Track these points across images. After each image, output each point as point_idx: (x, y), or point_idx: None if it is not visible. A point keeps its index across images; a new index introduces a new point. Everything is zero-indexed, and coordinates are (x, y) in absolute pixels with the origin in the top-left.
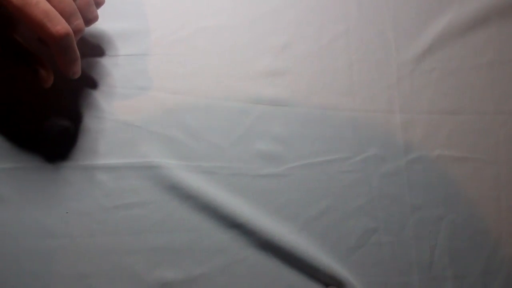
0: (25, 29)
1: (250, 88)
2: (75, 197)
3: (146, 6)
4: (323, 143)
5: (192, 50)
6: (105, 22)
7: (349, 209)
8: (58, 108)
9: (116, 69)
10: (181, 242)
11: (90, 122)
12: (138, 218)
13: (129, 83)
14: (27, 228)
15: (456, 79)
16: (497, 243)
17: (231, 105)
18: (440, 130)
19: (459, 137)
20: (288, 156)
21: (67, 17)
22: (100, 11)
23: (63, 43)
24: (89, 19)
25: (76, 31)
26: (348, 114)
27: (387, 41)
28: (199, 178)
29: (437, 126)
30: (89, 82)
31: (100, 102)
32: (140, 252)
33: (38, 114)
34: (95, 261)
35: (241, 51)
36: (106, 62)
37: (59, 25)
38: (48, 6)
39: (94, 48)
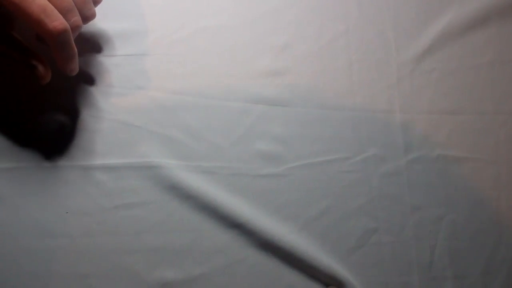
0: (23, 26)
1: (250, 88)
2: (75, 197)
3: (146, 6)
4: (323, 143)
5: (192, 50)
6: (105, 22)
7: (349, 209)
8: (58, 108)
9: (116, 69)
10: (181, 242)
11: (90, 122)
12: (138, 218)
13: (129, 83)
14: (26, 228)
15: (456, 79)
16: (497, 243)
17: (231, 105)
18: (440, 130)
19: (459, 137)
20: (288, 156)
21: (65, 13)
22: (100, 11)
23: (60, 39)
24: (87, 16)
25: (74, 27)
26: (348, 114)
27: (387, 41)
28: (199, 178)
29: (437, 126)
30: (89, 82)
31: (100, 102)
32: (140, 252)
33: (38, 114)
34: (95, 261)
35: (241, 51)
36: (106, 62)
37: (57, 21)
38: (45, 2)
39: (95, 48)
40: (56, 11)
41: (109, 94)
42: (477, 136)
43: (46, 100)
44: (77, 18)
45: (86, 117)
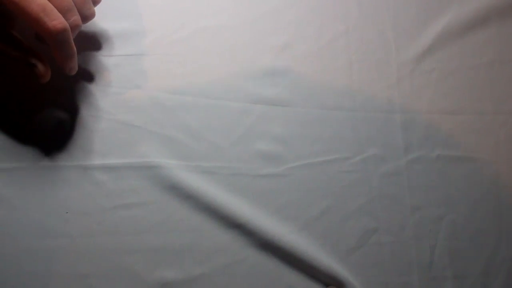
0: (22, 25)
1: (250, 88)
2: (75, 197)
3: (145, 6)
4: (323, 143)
5: (192, 50)
6: (106, 22)
7: (349, 209)
8: (58, 108)
9: (116, 69)
10: (181, 242)
11: (90, 121)
12: (138, 218)
13: (128, 82)
14: (26, 228)
15: (456, 79)
16: (497, 243)
17: (231, 105)
18: (440, 130)
19: (459, 137)
20: (288, 156)
21: (64, 12)
22: (100, 11)
23: (59, 38)
24: (86, 16)
25: (73, 26)
26: (348, 114)
27: (387, 41)
28: (199, 178)
29: (437, 126)
30: (89, 82)
31: (99, 101)
32: (140, 252)
33: (38, 114)
34: (95, 261)
35: (241, 51)
36: (106, 61)
37: (56, 20)
38: (45, 1)
39: (94, 48)
40: (55, 10)
41: (109, 93)
42: (477, 136)
43: (46, 100)
44: (76, 18)
45: (86, 117)
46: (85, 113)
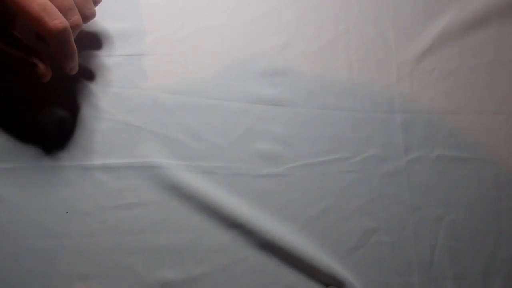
0: (23, 25)
1: (250, 88)
2: (75, 197)
3: (146, 6)
4: (323, 143)
5: (192, 50)
6: (106, 22)
7: (349, 209)
8: (58, 108)
9: (116, 69)
10: (181, 242)
11: (90, 121)
12: (138, 218)
13: (129, 83)
14: (27, 228)
15: (456, 79)
16: (497, 243)
17: (231, 105)
18: (440, 130)
19: (459, 137)
20: (288, 156)
21: (65, 12)
22: (100, 11)
23: (60, 37)
24: (87, 15)
25: (74, 26)
26: (348, 114)
27: (387, 41)
28: (199, 178)
29: (437, 126)
30: (89, 82)
31: (100, 101)
32: (140, 252)
33: (38, 114)
34: (95, 261)
35: (241, 51)
36: (106, 62)
37: (57, 19)
38: (45, 0)
39: (94, 48)
40: (56, 10)
41: (109, 93)
42: (477, 136)
43: (46, 100)
44: (77, 17)
45: (86, 117)
46: (85, 113)
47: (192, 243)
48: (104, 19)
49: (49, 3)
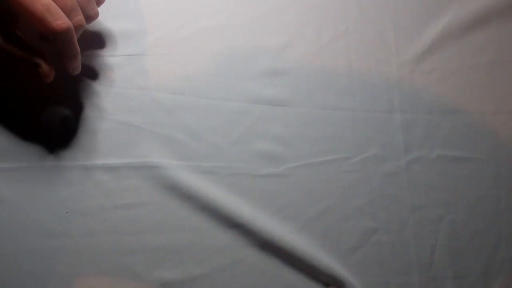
0: (26, 25)
1: (250, 88)
2: (76, 197)
3: (146, 6)
4: (323, 143)
5: (192, 50)
6: (106, 22)
7: (349, 209)
8: (58, 108)
9: (116, 69)
10: (181, 242)
11: (90, 122)
12: (138, 218)
13: (129, 83)
14: (27, 228)
15: (456, 79)
16: (496, 243)
17: (231, 105)
18: (440, 130)
19: (459, 137)
20: (288, 156)
21: (68, 12)
22: (101, 11)
23: (63, 38)
24: (90, 16)
25: (77, 26)
26: (348, 114)
27: (387, 41)
28: (199, 178)
29: (437, 126)
30: (90, 82)
31: (100, 102)
32: (140, 252)
33: (38, 114)
34: (95, 261)
35: (241, 51)
36: (106, 62)
37: (60, 20)
38: (49, 1)
39: (95, 48)
40: (59, 10)
41: (109, 93)
42: (477, 136)
43: (47, 100)
44: (80, 18)
45: (86, 117)
46: (86, 113)
47: (192, 243)
48: (104, 19)
49: (53, 3)
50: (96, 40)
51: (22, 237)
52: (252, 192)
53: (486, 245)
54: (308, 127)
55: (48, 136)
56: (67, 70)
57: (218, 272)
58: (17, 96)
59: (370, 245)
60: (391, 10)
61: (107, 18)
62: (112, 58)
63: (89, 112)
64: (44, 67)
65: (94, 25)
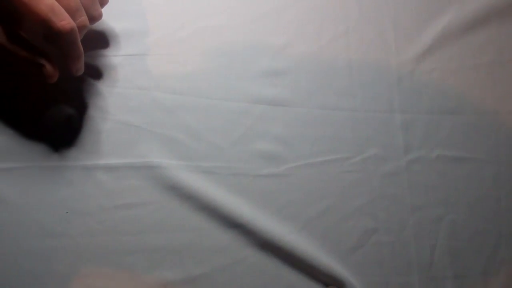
0: (31, 26)
1: (250, 88)
2: (75, 197)
3: (146, 6)
4: (323, 143)
5: (192, 50)
6: (106, 22)
7: (349, 209)
8: (58, 108)
9: (116, 69)
10: (181, 242)
11: (90, 122)
12: (138, 218)
13: (129, 83)
14: (27, 228)
15: (456, 79)
16: (496, 243)
17: (231, 105)
18: (440, 130)
19: (459, 137)
20: (288, 156)
21: (72, 13)
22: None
23: (67, 38)
24: (93, 17)
25: (81, 27)
26: (348, 114)
27: (387, 41)
28: (199, 178)
29: (437, 126)
30: (90, 82)
31: (100, 102)
32: (140, 252)
33: (38, 114)
34: (95, 261)
35: (241, 51)
36: (106, 62)
37: (64, 20)
38: (53, 1)
39: (95, 48)
40: (63, 11)
41: (109, 94)
42: (477, 136)
43: (47, 101)
44: (84, 18)
45: (87, 117)
46: (86, 113)
47: (192, 243)
48: (105, 19)
49: (57, 4)
50: (97, 40)
51: (22, 237)
52: (252, 192)
53: (486, 245)
54: (308, 127)
55: (48, 136)
56: (71, 71)
57: (218, 272)
58: (17, 96)
59: (370, 245)
60: (391, 10)
61: (107, 18)
62: (112, 58)
63: (89, 112)
64: (48, 67)
65: (94, 25)
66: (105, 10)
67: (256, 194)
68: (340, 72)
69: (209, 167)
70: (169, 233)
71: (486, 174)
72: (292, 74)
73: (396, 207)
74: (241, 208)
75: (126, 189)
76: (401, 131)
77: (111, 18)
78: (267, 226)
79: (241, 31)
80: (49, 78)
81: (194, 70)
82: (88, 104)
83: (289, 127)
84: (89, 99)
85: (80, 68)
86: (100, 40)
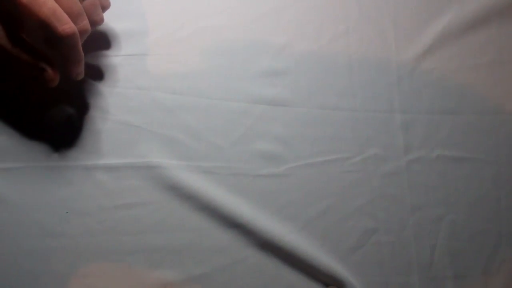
0: (32, 29)
1: (250, 88)
2: (75, 197)
3: (146, 6)
4: (323, 143)
5: (192, 50)
6: (106, 22)
7: (349, 209)
8: (58, 108)
9: (116, 69)
10: (181, 242)
11: (90, 122)
12: (138, 218)
13: (129, 83)
14: (27, 228)
15: (456, 79)
16: (497, 243)
17: (231, 105)
18: (440, 130)
19: (459, 137)
20: (288, 156)
21: (74, 17)
22: None
23: (68, 43)
24: (95, 21)
25: (82, 31)
26: (348, 114)
27: (387, 40)
28: (199, 178)
29: (437, 126)
30: (90, 82)
31: (100, 102)
32: (140, 252)
33: (38, 114)
34: (95, 261)
35: (241, 51)
36: (106, 62)
37: (66, 25)
38: (55, 5)
39: (95, 48)
40: (65, 15)
41: (109, 94)
42: (477, 136)
43: (47, 101)
44: (85, 23)
45: (87, 117)
46: (86, 113)
47: (192, 243)
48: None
49: (59, 8)
50: (97, 40)
51: (22, 237)
52: (252, 192)
53: (486, 245)
54: (308, 127)
55: (48, 136)
56: (71, 75)
57: (218, 272)
58: (17, 96)
59: (370, 245)
60: (391, 10)
61: (107, 18)
62: (112, 58)
63: (89, 112)
64: (49, 71)
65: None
66: (106, 11)
67: (256, 194)
68: (340, 72)
69: (209, 167)
70: (169, 233)
71: (486, 174)
72: (292, 74)
73: (396, 207)
74: (241, 208)
75: (126, 189)
76: (401, 131)
77: (111, 18)
78: (267, 226)
79: (241, 31)
80: (50, 82)
81: (194, 70)
82: (88, 104)
83: (289, 127)
84: (89, 99)
85: (80, 72)
86: (100, 40)
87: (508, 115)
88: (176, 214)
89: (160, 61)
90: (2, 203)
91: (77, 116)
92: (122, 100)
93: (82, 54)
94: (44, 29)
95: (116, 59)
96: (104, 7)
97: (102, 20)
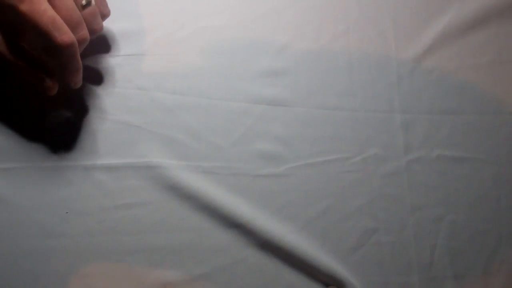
0: (32, 38)
1: (250, 88)
2: (75, 197)
3: (146, 6)
4: (323, 143)
5: (192, 50)
6: (106, 22)
7: (349, 209)
8: (58, 108)
9: (116, 69)
10: (181, 242)
11: (90, 122)
12: (138, 218)
13: (129, 83)
14: (27, 228)
15: (456, 79)
16: (497, 243)
17: (231, 105)
18: (440, 130)
19: (459, 137)
20: (288, 156)
21: (73, 26)
22: None
23: (67, 52)
24: (94, 30)
25: (81, 41)
26: (348, 114)
27: (387, 40)
28: (199, 178)
29: (437, 126)
30: (89, 82)
31: (100, 102)
32: (140, 252)
33: (38, 114)
34: (95, 261)
35: (241, 51)
36: (106, 62)
37: (65, 34)
38: (55, 14)
39: (94, 48)
40: (64, 25)
41: (109, 94)
42: (477, 136)
43: (47, 101)
44: (84, 32)
45: (86, 117)
46: (86, 114)
47: (192, 243)
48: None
49: (58, 17)
50: (96, 41)
51: (22, 237)
52: (252, 192)
53: (486, 245)
54: (308, 127)
55: (47, 136)
56: (69, 84)
57: (218, 272)
58: (17, 96)
59: (370, 245)
60: (391, 10)
61: (107, 19)
62: (112, 59)
63: (89, 113)
64: (48, 81)
65: None
66: None
67: (256, 194)
68: (340, 72)
69: (209, 167)
70: (169, 233)
71: (486, 174)
72: (292, 74)
73: (396, 207)
74: (241, 208)
75: (126, 189)
76: (401, 131)
77: (111, 18)
78: (267, 226)
79: (241, 31)
80: (48, 91)
81: (194, 70)
82: (87, 105)
83: (289, 127)
84: (89, 99)
85: (78, 82)
86: (99, 41)
87: (508, 115)
88: (176, 214)
89: (160, 61)
90: (2, 203)
91: (77, 116)
92: (122, 100)
93: (81, 63)
94: (43, 38)
95: (116, 59)
96: (104, 16)
97: (101, 28)
